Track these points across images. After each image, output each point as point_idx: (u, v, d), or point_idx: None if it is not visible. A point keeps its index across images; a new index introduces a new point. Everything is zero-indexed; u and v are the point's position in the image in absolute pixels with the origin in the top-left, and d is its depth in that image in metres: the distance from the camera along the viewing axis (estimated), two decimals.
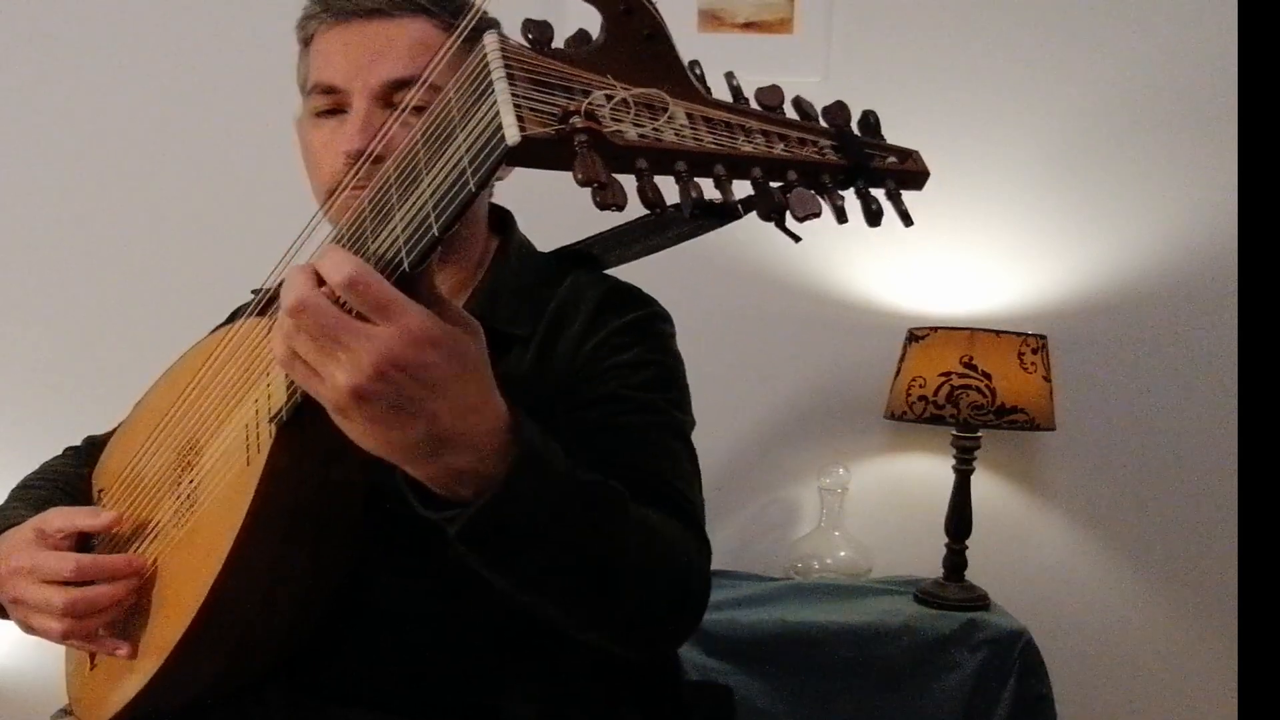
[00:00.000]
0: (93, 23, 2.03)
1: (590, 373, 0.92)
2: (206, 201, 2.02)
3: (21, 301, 2.05)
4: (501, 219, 1.05)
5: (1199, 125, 1.93)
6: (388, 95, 0.91)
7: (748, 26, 1.97)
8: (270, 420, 0.75)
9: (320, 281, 0.62)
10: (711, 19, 1.97)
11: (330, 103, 0.94)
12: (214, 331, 1.08)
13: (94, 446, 1.10)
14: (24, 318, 2.05)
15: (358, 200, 0.88)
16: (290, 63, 1.01)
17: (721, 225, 0.72)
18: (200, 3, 2.02)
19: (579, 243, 1.03)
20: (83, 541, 0.91)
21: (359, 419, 0.63)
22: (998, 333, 1.75)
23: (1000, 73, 1.97)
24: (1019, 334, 1.75)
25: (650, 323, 0.97)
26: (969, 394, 1.71)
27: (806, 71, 1.96)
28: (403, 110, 0.82)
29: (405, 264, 0.62)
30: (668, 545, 0.78)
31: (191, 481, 0.85)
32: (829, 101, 0.65)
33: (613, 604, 0.75)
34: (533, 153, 0.56)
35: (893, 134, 0.67)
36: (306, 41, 0.97)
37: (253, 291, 1.14)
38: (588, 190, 0.55)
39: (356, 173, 0.90)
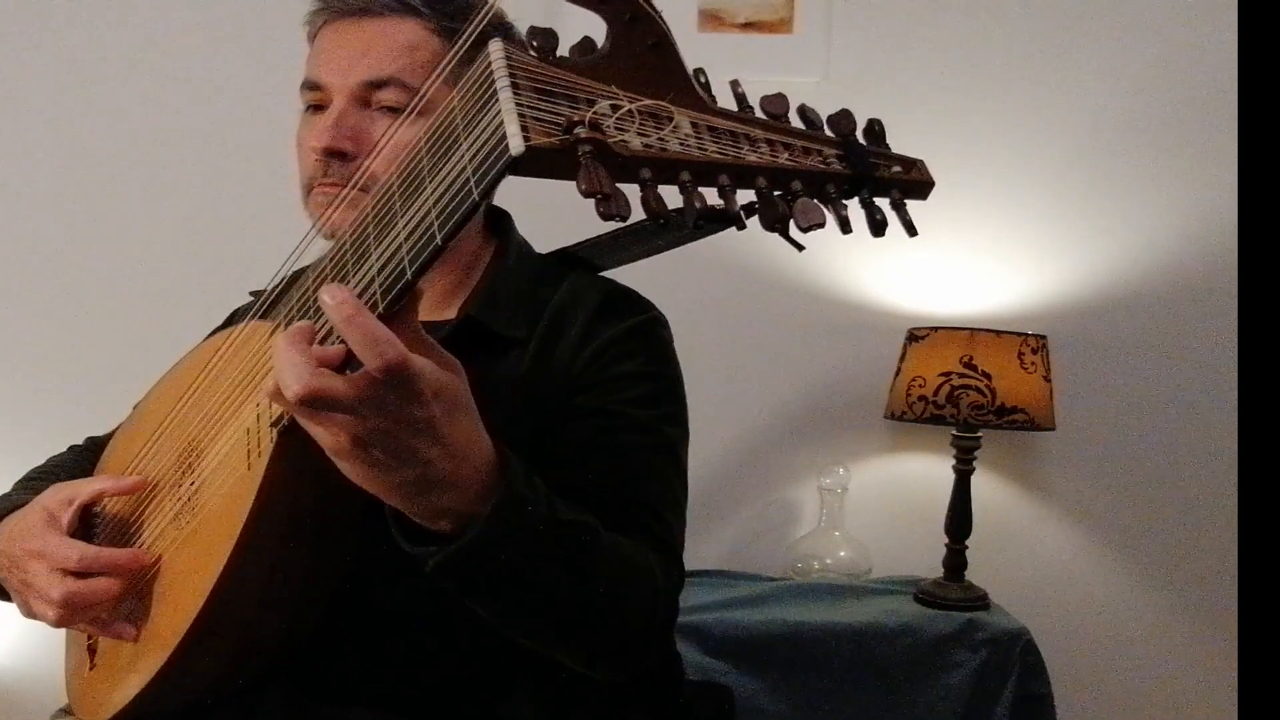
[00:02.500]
0: (93, 22, 2.03)
1: (588, 381, 0.92)
2: (206, 202, 2.02)
3: (21, 302, 2.05)
4: (499, 220, 1.05)
5: (1200, 125, 1.93)
6: (365, 95, 0.92)
7: (747, 26, 1.97)
8: (272, 425, 0.75)
9: (310, 339, 0.62)
10: (711, 19, 1.96)
11: (315, 99, 0.95)
12: (212, 334, 1.09)
13: (96, 447, 1.10)
14: (24, 318, 2.05)
15: (333, 197, 0.90)
16: (288, 63, 1.02)
17: (722, 230, 0.73)
18: (200, 3, 2.02)
19: (576, 245, 1.03)
20: (85, 529, 0.91)
21: (357, 463, 0.64)
22: (998, 333, 1.75)
23: (1000, 73, 1.96)
24: (1019, 334, 1.75)
25: (650, 329, 0.97)
26: (969, 394, 1.71)
27: (806, 71, 1.96)
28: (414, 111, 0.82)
29: (409, 273, 0.62)
30: (637, 576, 0.80)
31: (192, 484, 0.85)
32: (828, 102, 0.65)
33: (579, 634, 0.77)
34: (537, 162, 0.56)
35: (892, 134, 0.67)
36: (312, 38, 0.98)
37: (251, 293, 1.14)
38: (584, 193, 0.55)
39: (325, 171, 0.91)
